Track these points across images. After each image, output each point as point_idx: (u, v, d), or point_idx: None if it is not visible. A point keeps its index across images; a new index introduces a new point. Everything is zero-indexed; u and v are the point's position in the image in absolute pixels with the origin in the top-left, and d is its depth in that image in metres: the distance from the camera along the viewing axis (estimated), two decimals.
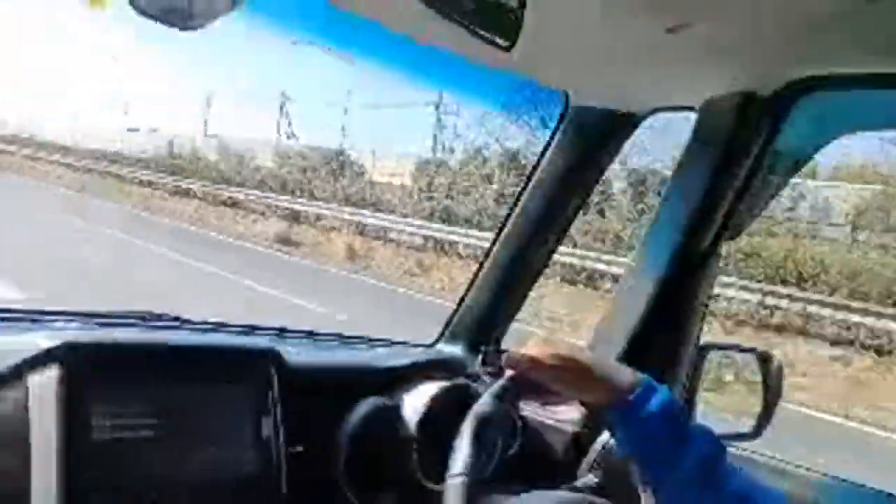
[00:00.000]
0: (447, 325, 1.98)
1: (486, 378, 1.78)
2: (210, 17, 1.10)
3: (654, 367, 1.04)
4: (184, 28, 1.13)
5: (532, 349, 1.05)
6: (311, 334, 1.79)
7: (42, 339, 1.09)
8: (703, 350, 1.62)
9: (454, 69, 1.42)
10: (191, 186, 21.46)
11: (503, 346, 1.96)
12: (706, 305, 1.60)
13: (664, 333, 1.55)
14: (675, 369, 1.56)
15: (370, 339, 1.89)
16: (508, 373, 1.09)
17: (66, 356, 1.07)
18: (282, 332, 1.73)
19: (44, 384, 1.05)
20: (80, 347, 1.12)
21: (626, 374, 0.97)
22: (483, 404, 1.03)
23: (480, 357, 1.84)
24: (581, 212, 1.86)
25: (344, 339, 1.85)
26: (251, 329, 1.68)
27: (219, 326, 1.63)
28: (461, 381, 1.66)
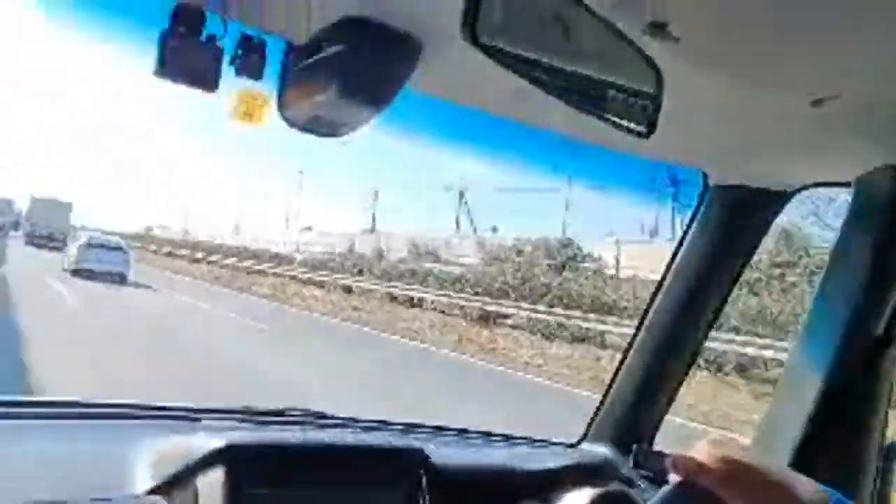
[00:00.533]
0: (591, 422, 1.87)
1: (642, 483, 1.64)
2: (355, 126, 1.17)
3: (831, 474, 0.90)
4: (330, 136, 1.21)
5: (700, 452, 0.96)
6: (459, 432, 1.76)
7: (207, 441, 1.14)
8: (893, 452, 1.40)
9: (587, 156, 1.42)
10: (392, 289, 21.51)
11: (656, 445, 1.81)
12: (889, 399, 1.40)
13: (840, 433, 1.36)
14: (857, 476, 1.35)
15: (513, 438, 1.82)
16: (674, 478, 0.99)
17: (231, 458, 1.12)
18: (420, 427, 1.72)
19: (211, 485, 1.09)
20: (243, 449, 1.16)
21: (807, 486, 0.84)
22: None
23: (632, 458, 1.71)
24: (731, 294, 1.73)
25: (490, 438, 1.80)
26: (399, 426, 1.68)
27: (369, 424, 1.65)
28: (616, 486, 1.54)
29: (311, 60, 1.04)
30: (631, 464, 1.70)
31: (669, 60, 0.98)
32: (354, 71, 1.03)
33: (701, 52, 1.00)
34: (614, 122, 0.97)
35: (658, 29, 0.96)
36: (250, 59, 1.05)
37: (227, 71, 1.04)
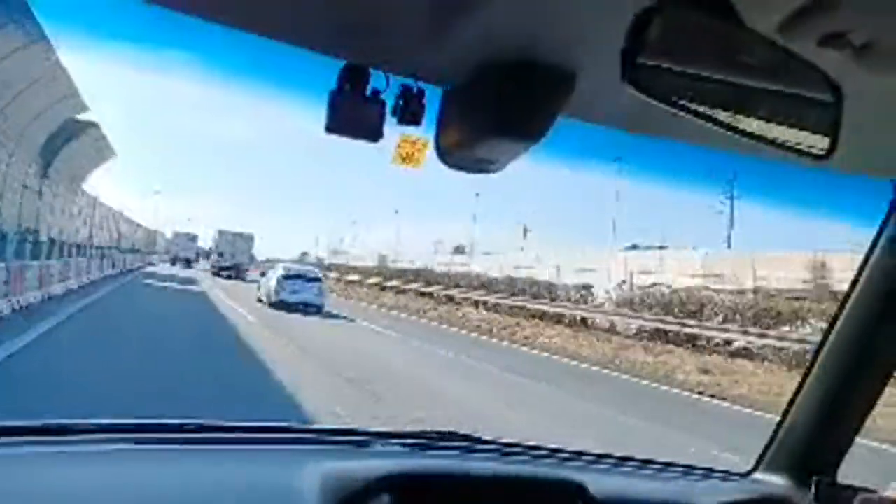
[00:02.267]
0: (766, 450, 1.74)
1: None
2: (508, 161, 1.19)
3: None
4: (484, 172, 1.24)
5: None
6: (620, 461, 1.71)
7: (375, 468, 1.20)
8: None
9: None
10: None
11: (839, 477, 1.65)
12: None
13: None
14: None
15: (670, 465, 1.74)
16: None
17: (398, 486, 1.16)
18: (577, 455, 1.69)
19: None
20: (408, 478, 1.21)
21: None
22: None
23: (813, 491, 1.57)
24: None
25: (653, 467, 1.72)
26: (559, 454, 1.66)
27: (527, 451, 1.65)
28: None
29: (466, 102, 1.08)
30: (812, 498, 1.56)
31: (849, 70, 0.91)
32: (507, 109, 1.05)
33: (881, 57, 0.91)
34: (789, 146, 0.91)
35: (836, 39, 0.89)
36: (410, 108, 1.10)
37: (388, 120, 1.10)
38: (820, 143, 0.96)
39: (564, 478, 1.35)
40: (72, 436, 1.32)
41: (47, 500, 1.10)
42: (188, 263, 53.10)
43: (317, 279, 22.84)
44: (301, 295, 21.59)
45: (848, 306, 1.57)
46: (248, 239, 44.78)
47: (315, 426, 1.64)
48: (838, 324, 1.59)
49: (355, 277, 44.57)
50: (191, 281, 31.25)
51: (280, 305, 20.95)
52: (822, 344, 1.62)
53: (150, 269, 42.52)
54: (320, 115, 1.09)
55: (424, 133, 1.15)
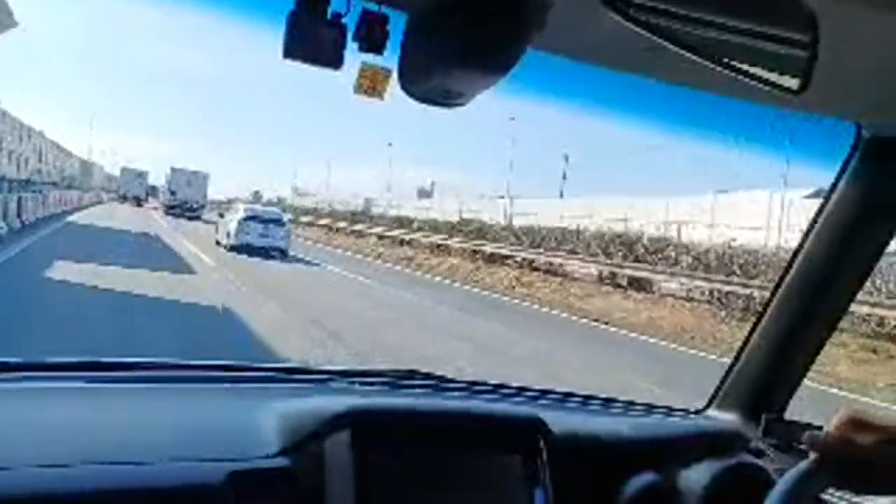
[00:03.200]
0: (718, 388, 1.79)
1: (771, 453, 1.56)
2: (475, 93, 1.15)
3: None
4: (451, 105, 1.19)
5: (843, 426, 0.89)
6: (583, 400, 1.75)
7: (333, 404, 1.19)
8: None
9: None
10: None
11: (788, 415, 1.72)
12: None
13: None
14: None
15: (633, 404, 1.78)
16: (812, 455, 0.93)
17: (357, 422, 1.16)
18: (542, 394, 1.72)
19: (337, 448, 1.14)
20: (368, 414, 1.20)
21: None
22: (784, 490, 0.89)
23: (762, 427, 1.63)
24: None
25: (606, 404, 1.76)
26: (519, 392, 1.69)
27: (483, 387, 1.66)
28: (746, 457, 1.48)
29: (432, 31, 1.02)
30: (760, 434, 1.62)
31: (825, 3, 0.88)
32: (476, 38, 1.00)
33: None
34: (763, 79, 0.89)
35: None
36: (373, 35, 1.04)
37: (350, 46, 1.04)
38: (791, 81, 0.94)
39: (526, 413, 1.36)
40: (23, 372, 1.28)
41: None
42: (137, 201, 50.87)
43: (279, 220, 21.63)
44: (264, 239, 20.39)
45: (804, 249, 1.59)
46: (203, 178, 43.27)
47: (274, 364, 1.61)
48: (793, 267, 1.62)
49: (325, 222, 43.10)
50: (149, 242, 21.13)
51: (241, 249, 19.81)
52: (777, 286, 1.66)
53: (84, 213, 32.70)
54: (277, 42, 1.02)
55: (388, 62, 1.09)
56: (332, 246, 33.61)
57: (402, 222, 34.54)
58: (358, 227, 37.77)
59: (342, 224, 40.23)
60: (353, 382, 1.55)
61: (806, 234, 1.59)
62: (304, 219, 45.78)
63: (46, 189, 28.90)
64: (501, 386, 1.71)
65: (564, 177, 40.30)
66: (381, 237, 33.73)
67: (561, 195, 37.53)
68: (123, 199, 52.42)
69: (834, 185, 1.52)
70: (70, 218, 26.99)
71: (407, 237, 31.33)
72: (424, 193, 49.67)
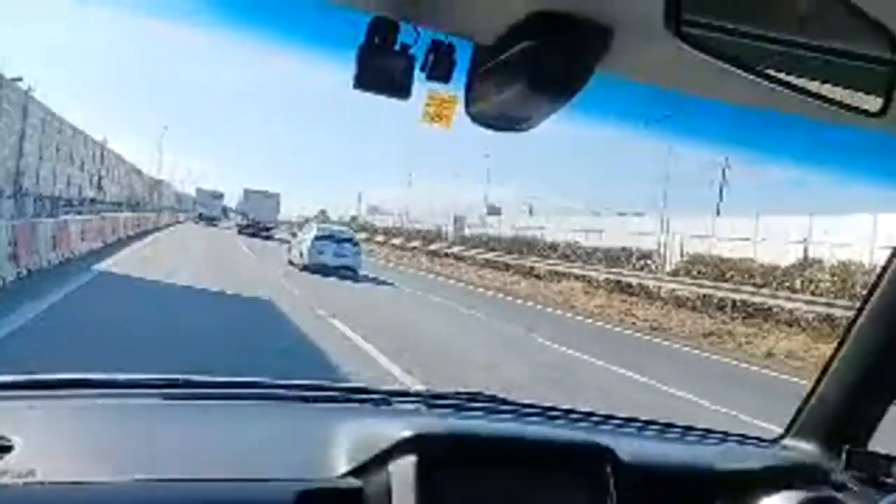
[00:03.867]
0: (796, 416, 1.71)
1: (856, 488, 1.48)
2: (541, 118, 1.16)
3: None
4: (516, 130, 1.21)
5: None
6: (647, 424, 1.70)
7: (400, 428, 1.21)
8: None
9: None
10: None
11: (872, 445, 1.62)
12: None
13: None
14: None
15: (709, 432, 1.72)
16: None
17: (423, 445, 1.17)
18: (614, 420, 1.68)
19: (403, 471, 1.15)
20: (434, 438, 1.21)
21: None
22: None
23: (844, 459, 1.55)
24: None
25: (680, 431, 1.71)
26: (586, 417, 1.66)
27: (552, 412, 1.65)
28: (825, 491, 1.41)
29: (498, 59, 1.04)
30: (843, 466, 1.54)
31: None
32: (542, 64, 1.01)
33: None
34: (840, 103, 0.86)
35: None
36: (440, 64, 1.07)
37: (418, 76, 1.07)
38: (872, 102, 0.91)
39: (594, 441, 1.34)
40: (103, 389, 1.35)
41: (74, 451, 1.13)
42: (212, 221, 51.38)
43: (351, 240, 21.72)
44: (337, 258, 20.36)
45: (888, 273, 1.52)
46: (275, 198, 44.69)
47: (340, 384, 1.64)
48: (877, 291, 1.54)
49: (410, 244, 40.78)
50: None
51: (313, 268, 19.63)
52: (859, 311, 1.58)
53: (146, 240, 24.36)
54: (345, 70, 1.06)
55: (454, 90, 1.12)
56: (424, 270, 30.31)
57: (511, 245, 31.18)
58: (453, 248, 35.31)
59: (433, 246, 37.65)
60: (419, 404, 1.56)
61: (892, 255, 1.52)
62: (379, 238, 45.08)
63: (106, 210, 25.74)
64: (570, 411, 1.68)
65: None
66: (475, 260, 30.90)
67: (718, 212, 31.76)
68: (199, 218, 53.16)
69: None
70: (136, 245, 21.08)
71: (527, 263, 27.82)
72: (494, 211, 49.10)
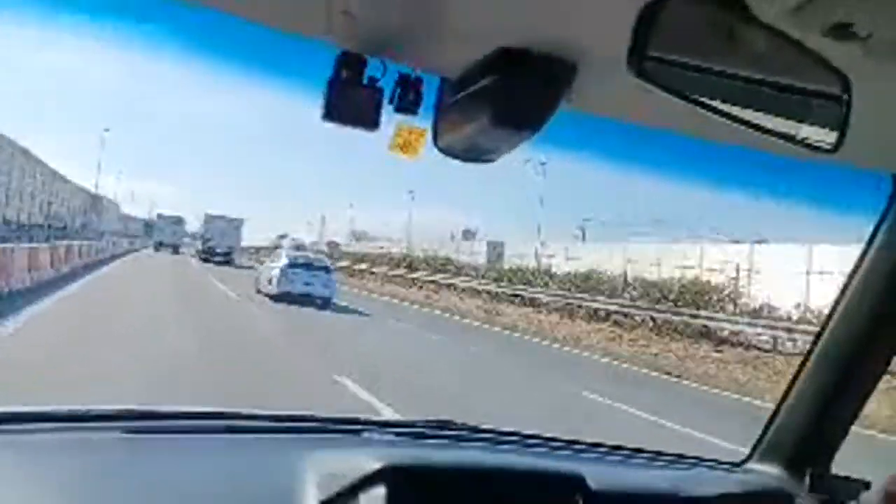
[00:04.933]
0: (760, 439, 1.74)
1: None
2: (507, 150, 1.17)
3: None
4: (483, 161, 1.22)
5: None
6: (617, 451, 1.71)
7: (370, 459, 1.19)
8: None
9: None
10: None
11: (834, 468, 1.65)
12: None
13: None
14: None
15: (674, 456, 1.74)
16: None
17: (393, 478, 1.15)
18: (582, 446, 1.68)
19: (374, 500, 1.14)
20: (404, 470, 1.20)
21: None
22: None
23: (807, 482, 1.57)
24: None
25: (649, 457, 1.72)
26: (552, 443, 1.66)
27: (521, 440, 1.64)
28: None
29: (464, 92, 1.06)
30: (807, 489, 1.56)
31: (856, 61, 0.89)
32: (507, 98, 1.03)
33: (889, 48, 0.90)
34: (796, 139, 0.90)
35: (842, 30, 0.87)
36: (408, 97, 1.08)
37: (386, 108, 1.08)
38: (826, 135, 0.95)
39: (565, 470, 1.34)
40: (63, 423, 1.31)
41: (33, 489, 1.08)
42: (175, 250, 46.84)
43: (325, 268, 20.40)
44: (308, 287, 18.93)
45: (845, 298, 1.56)
46: (237, 224, 43.89)
47: (307, 413, 1.62)
48: (835, 315, 1.58)
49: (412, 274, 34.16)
50: None
51: (283, 298, 18.31)
52: (818, 335, 1.62)
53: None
54: (312, 101, 1.07)
55: (421, 121, 1.13)
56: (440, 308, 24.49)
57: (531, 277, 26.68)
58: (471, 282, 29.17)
59: (458, 281, 29.90)
60: (387, 433, 1.54)
61: (847, 282, 1.56)
62: (372, 269, 38.51)
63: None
64: (529, 437, 1.68)
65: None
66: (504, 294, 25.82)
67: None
68: (159, 246, 47.72)
69: (873, 235, 1.50)
70: None
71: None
72: (469, 235, 48.20)
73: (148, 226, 63.84)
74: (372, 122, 1.06)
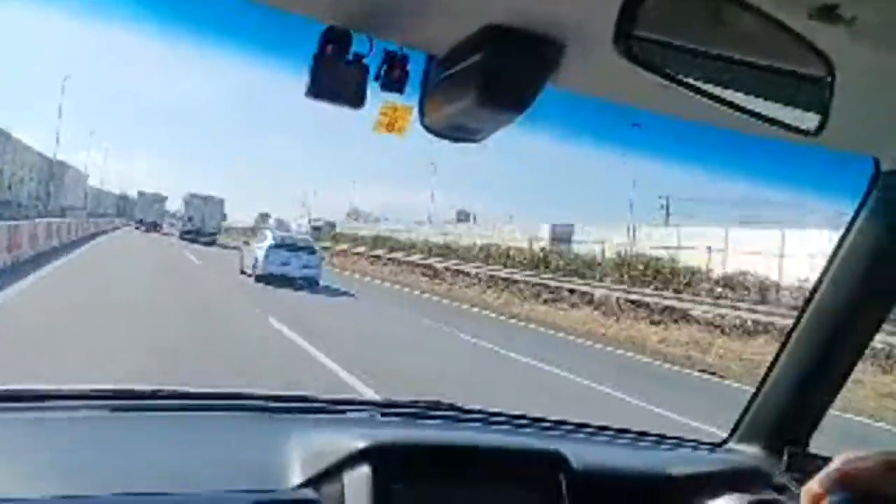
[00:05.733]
0: (740, 420, 1.77)
1: (795, 489, 1.53)
2: (493, 130, 1.17)
3: None
4: (468, 141, 1.21)
5: (869, 460, 0.88)
6: (600, 430, 1.73)
7: (354, 438, 1.20)
8: None
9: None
10: None
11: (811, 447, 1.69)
12: None
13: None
14: None
15: (656, 437, 1.77)
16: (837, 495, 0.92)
17: (377, 456, 1.16)
18: (567, 426, 1.70)
19: (358, 481, 1.15)
20: (388, 448, 1.21)
21: None
22: None
23: (785, 461, 1.60)
24: None
25: (627, 436, 1.75)
26: (539, 423, 1.68)
27: (509, 420, 1.66)
28: (766, 493, 1.45)
29: (451, 70, 1.05)
30: (783, 468, 1.59)
31: (840, 44, 0.89)
32: (494, 77, 1.02)
33: (874, 31, 0.90)
34: (780, 122, 0.90)
35: (827, 12, 0.87)
36: (393, 74, 1.07)
37: (371, 85, 1.07)
38: (810, 118, 0.95)
39: (547, 448, 1.36)
40: (43, 402, 1.30)
41: (21, 466, 1.08)
42: (155, 227, 45.91)
43: (310, 248, 20.08)
44: (294, 269, 18.90)
45: (825, 280, 1.58)
46: (219, 203, 43.19)
47: (294, 393, 1.62)
48: (815, 297, 1.61)
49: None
50: None
51: (269, 279, 18.31)
52: (798, 317, 1.64)
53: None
54: (294, 77, 1.05)
55: (408, 100, 1.12)
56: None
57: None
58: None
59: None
60: (374, 413, 1.55)
61: (828, 265, 1.58)
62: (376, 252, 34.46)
63: None
64: (524, 417, 1.70)
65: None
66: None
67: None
68: (140, 224, 46.16)
69: (854, 218, 1.51)
70: None
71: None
72: (463, 216, 47.71)
73: (122, 201, 60.06)
74: (357, 100, 1.05)
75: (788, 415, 1.67)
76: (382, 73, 1.07)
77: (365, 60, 1.05)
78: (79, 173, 48.50)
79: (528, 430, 1.65)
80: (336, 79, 1.03)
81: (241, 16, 1.08)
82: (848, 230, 1.53)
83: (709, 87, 0.91)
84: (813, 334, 1.61)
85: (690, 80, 0.89)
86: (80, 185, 49.99)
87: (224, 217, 44.22)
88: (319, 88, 1.03)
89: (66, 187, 42.23)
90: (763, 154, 1.30)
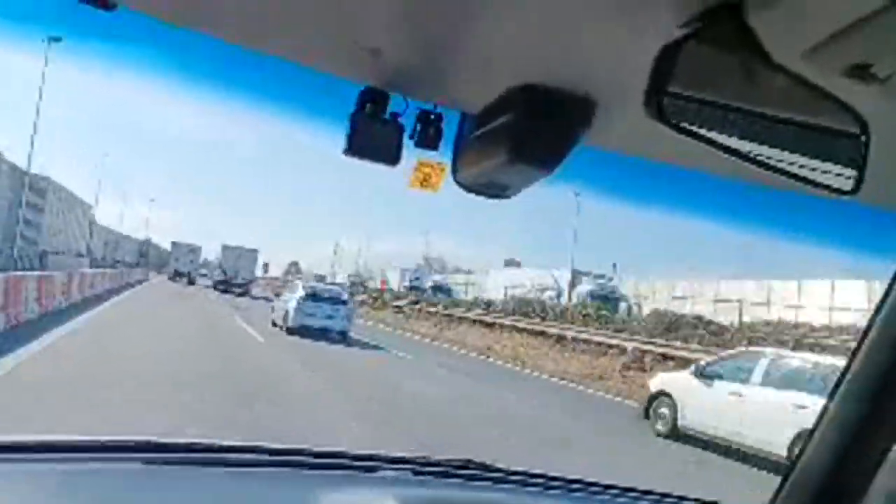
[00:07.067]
0: (780, 487, 1.69)
1: None
2: (525, 186, 1.18)
3: None
4: (500, 197, 1.23)
5: None
6: (642, 494, 1.67)
7: (387, 500, 1.17)
8: None
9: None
10: None
11: None
12: None
13: None
14: None
15: (695, 500, 1.69)
16: None
17: None
18: (597, 488, 1.65)
19: None
20: None
21: None
22: None
23: None
24: None
25: (668, 500, 1.68)
26: (573, 485, 1.63)
27: (545, 482, 1.61)
28: None
29: (484, 128, 1.07)
30: None
31: (875, 103, 0.89)
32: (526, 135, 1.04)
33: None
34: (813, 181, 0.90)
35: (861, 71, 0.88)
36: (428, 132, 1.10)
37: (406, 143, 1.10)
38: (846, 175, 0.94)
39: None
40: (78, 453, 1.31)
41: None
42: (189, 279, 45.43)
43: (341, 300, 19.81)
44: (325, 320, 18.59)
45: (874, 330, 1.53)
46: (253, 254, 44.17)
47: (324, 449, 1.60)
48: (863, 348, 1.55)
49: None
50: None
51: (300, 331, 17.95)
52: (845, 370, 1.59)
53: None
54: (332, 135, 1.09)
55: (441, 156, 1.15)
56: None
57: None
58: None
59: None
60: (406, 471, 1.52)
61: (875, 313, 1.53)
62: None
63: None
64: (556, 478, 1.65)
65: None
66: None
67: None
68: (176, 275, 45.85)
69: None
70: None
71: None
72: (513, 263, 47.48)
73: (145, 250, 58.35)
74: (393, 157, 1.08)
75: (836, 479, 1.59)
76: (417, 130, 1.10)
77: (400, 119, 1.08)
78: (73, 198, 31.27)
79: (558, 492, 1.60)
80: (373, 137, 1.07)
81: (284, 76, 1.13)
82: (891, 285, 1.48)
83: (740, 144, 0.91)
84: (862, 388, 1.55)
85: (722, 138, 0.90)
86: (81, 217, 33.92)
87: (266, 268, 44.73)
88: (357, 146, 1.07)
89: (54, 216, 25.35)
90: (798, 209, 1.29)
